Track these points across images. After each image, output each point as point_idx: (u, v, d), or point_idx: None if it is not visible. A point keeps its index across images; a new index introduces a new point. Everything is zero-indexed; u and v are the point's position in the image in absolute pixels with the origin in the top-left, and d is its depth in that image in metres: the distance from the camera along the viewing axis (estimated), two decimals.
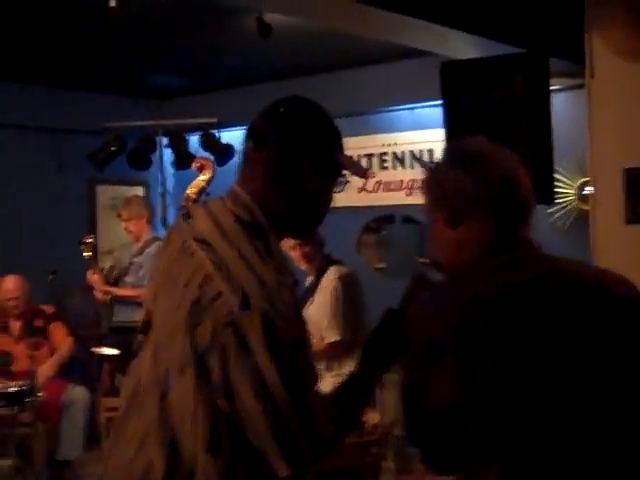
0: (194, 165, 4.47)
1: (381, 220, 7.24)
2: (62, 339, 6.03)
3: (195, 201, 4.45)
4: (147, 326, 1.78)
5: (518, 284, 1.60)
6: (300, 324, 1.68)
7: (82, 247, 5.86)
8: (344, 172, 1.86)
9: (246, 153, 1.81)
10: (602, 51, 4.11)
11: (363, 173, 1.94)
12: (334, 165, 1.82)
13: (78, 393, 5.82)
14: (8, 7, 5.11)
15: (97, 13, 5.02)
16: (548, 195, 4.38)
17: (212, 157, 6.00)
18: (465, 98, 4.37)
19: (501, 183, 1.68)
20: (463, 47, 4.83)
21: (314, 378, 1.70)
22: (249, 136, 1.81)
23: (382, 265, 7.19)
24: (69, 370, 6.23)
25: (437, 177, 1.76)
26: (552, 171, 4.46)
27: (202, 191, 4.43)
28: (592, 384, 1.58)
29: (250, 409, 1.58)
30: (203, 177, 4.40)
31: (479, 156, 1.71)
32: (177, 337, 1.65)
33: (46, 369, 5.75)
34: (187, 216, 1.80)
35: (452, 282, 1.73)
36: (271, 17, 4.96)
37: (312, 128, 1.79)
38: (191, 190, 4.40)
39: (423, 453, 1.68)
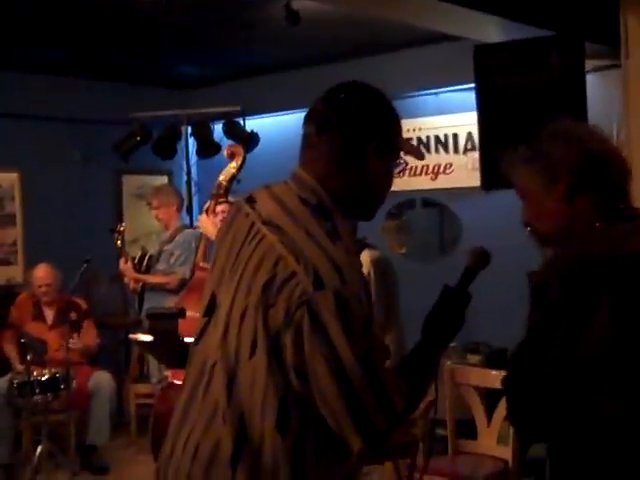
0: (225, 152, 4.49)
1: (402, 206, 7.25)
2: (92, 338, 6.10)
3: (226, 188, 4.48)
4: (211, 309, 1.82)
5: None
6: (370, 303, 1.69)
7: (115, 235, 5.90)
8: (403, 155, 1.89)
9: (308, 138, 1.84)
10: (637, 32, 4.10)
11: (421, 155, 1.97)
12: (395, 148, 1.85)
13: (103, 379, 5.87)
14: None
15: (123, 3, 5.09)
16: None
17: None
18: (499, 81, 4.36)
19: (613, 156, 1.87)
20: (490, 31, 4.81)
21: (385, 355, 1.74)
22: (311, 121, 1.83)
23: (402, 250, 7.21)
24: (96, 358, 6.29)
25: (549, 150, 1.87)
26: None
27: (233, 178, 4.45)
28: None
29: (325, 387, 1.61)
30: (234, 164, 4.42)
31: (582, 134, 1.88)
32: (248, 318, 1.68)
33: (76, 345, 5.79)
34: (250, 200, 1.83)
35: (597, 240, 1.83)
36: (299, 4, 4.98)
37: (374, 112, 1.82)
38: (222, 177, 4.43)
39: (518, 414, 1.79)
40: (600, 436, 1.76)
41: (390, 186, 1.88)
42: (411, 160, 7.07)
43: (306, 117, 1.85)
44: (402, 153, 1.89)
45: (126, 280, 6.03)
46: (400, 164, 1.90)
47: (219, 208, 4.49)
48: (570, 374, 1.73)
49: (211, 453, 1.69)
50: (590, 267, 1.75)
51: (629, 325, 1.71)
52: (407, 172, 7.15)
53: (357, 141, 1.79)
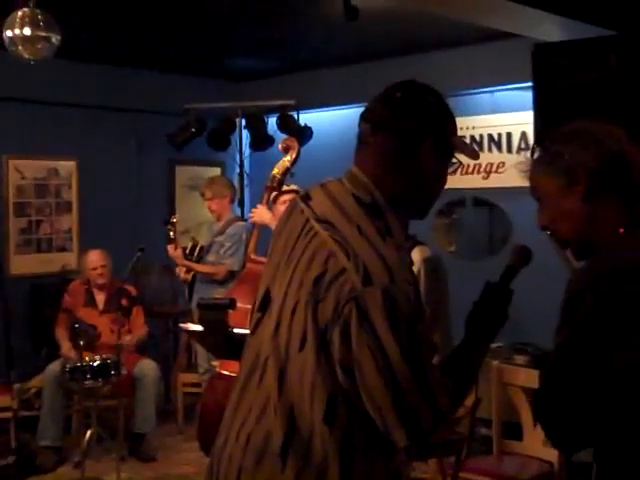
0: (280, 146, 4.52)
1: (452, 204, 7.23)
2: (141, 325, 6.18)
3: (280, 181, 4.52)
4: (265, 303, 1.85)
5: None
6: (418, 300, 1.70)
7: (168, 227, 5.97)
8: (457, 154, 1.90)
9: (363, 136, 1.86)
10: None
11: (475, 155, 1.96)
12: (449, 147, 1.86)
13: (147, 367, 5.94)
14: None
15: None
16: None
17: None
18: (557, 80, 4.31)
19: (629, 160, 1.80)
20: (549, 29, 4.77)
21: (432, 352, 1.73)
22: (366, 120, 1.85)
23: (452, 249, 7.18)
24: (144, 347, 6.37)
25: (567, 152, 1.82)
26: None
27: (287, 172, 4.49)
28: None
29: (371, 383, 1.63)
30: (288, 158, 4.45)
31: (610, 131, 1.82)
32: (299, 312, 1.71)
33: (128, 342, 5.90)
34: (306, 197, 1.86)
35: (629, 249, 1.78)
36: None
37: (429, 112, 1.83)
38: (276, 170, 4.46)
39: (553, 428, 1.75)
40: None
41: (444, 185, 1.89)
42: (464, 159, 7.03)
43: (362, 115, 1.87)
44: (457, 153, 1.89)
45: (177, 269, 6.09)
46: (454, 163, 1.91)
47: (285, 197, 4.55)
48: (610, 386, 1.68)
49: (263, 444, 1.72)
50: (625, 276, 1.71)
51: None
52: (459, 170, 7.10)
53: (412, 140, 1.80)
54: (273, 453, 1.70)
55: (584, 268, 1.80)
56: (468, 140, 7.04)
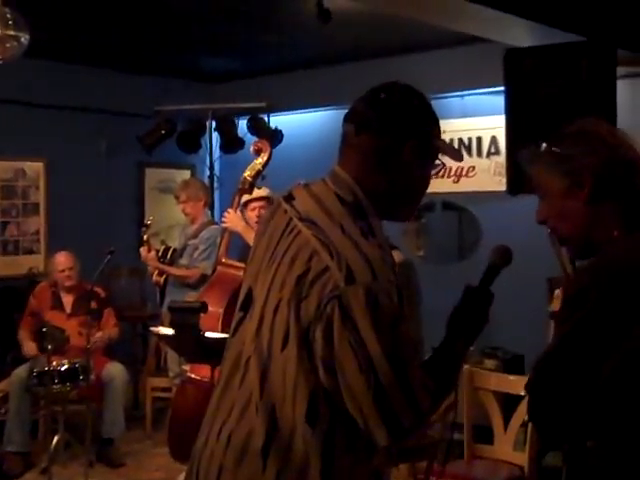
0: (252, 148, 4.51)
1: (421, 208, 7.25)
2: (113, 325, 6.11)
3: (251, 184, 4.50)
4: (247, 303, 1.84)
5: None
6: (401, 299, 1.71)
7: (143, 229, 5.92)
8: (441, 156, 1.90)
9: (347, 137, 1.86)
10: None
11: (459, 156, 1.96)
12: (432, 149, 1.86)
13: (116, 370, 5.87)
14: None
15: None
16: None
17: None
18: (528, 85, 4.34)
19: (634, 162, 1.82)
20: (520, 34, 4.79)
21: (414, 351, 1.73)
22: (350, 120, 1.86)
23: (421, 253, 7.20)
24: (113, 350, 6.31)
25: (573, 153, 1.83)
26: None
27: (258, 174, 4.48)
28: None
29: (353, 381, 1.63)
30: (259, 160, 4.44)
31: (619, 137, 1.84)
32: (281, 311, 1.71)
33: (99, 339, 5.84)
34: (289, 197, 1.86)
35: (629, 251, 1.81)
36: (329, 2, 4.97)
37: (412, 113, 1.84)
38: (247, 173, 4.45)
39: (540, 418, 1.78)
40: (623, 449, 1.74)
41: (427, 187, 1.89)
42: (449, 161, 7.07)
43: (346, 116, 1.88)
44: (440, 155, 1.90)
45: (150, 270, 6.03)
46: (438, 165, 1.91)
47: (255, 204, 4.53)
48: (602, 386, 1.71)
49: (244, 443, 1.73)
50: (623, 275, 1.74)
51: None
52: None
53: (395, 141, 1.81)
54: (254, 453, 1.70)
55: (587, 267, 1.83)
56: None
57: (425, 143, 1.83)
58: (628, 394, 1.71)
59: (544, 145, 1.89)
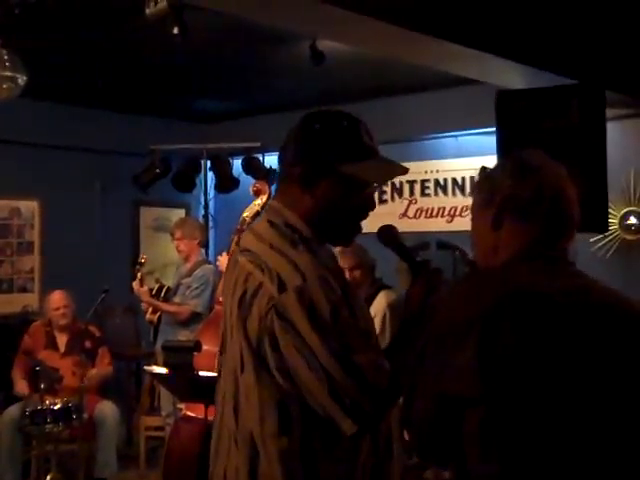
0: (251, 189, 4.53)
1: (416, 247, 7.27)
2: (107, 364, 6.09)
3: (250, 224, 4.53)
4: (224, 345, 1.93)
5: (551, 290, 1.66)
6: (341, 293, 1.77)
7: (137, 267, 5.94)
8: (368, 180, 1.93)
9: (279, 169, 1.99)
10: None
11: (403, 171, 1.97)
12: (337, 174, 1.88)
13: (107, 409, 5.82)
14: (60, 32, 5.21)
15: (144, 38, 5.15)
16: (601, 224, 4.40)
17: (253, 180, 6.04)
18: (520, 126, 4.40)
19: (552, 196, 1.74)
20: (512, 76, 4.86)
21: (361, 336, 1.79)
22: (279, 158, 1.98)
23: None
24: (107, 388, 6.28)
25: (492, 179, 1.81)
26: (607, 200, 4.47)
27: (256, 215, 4.50)
28: (602, 396, 1.63)
29: (306, 380, 1.72)
30: (258, 201, 4.47)
31: (538, 168, 1.76)
32: (235, 336, 1.81)
33: (94, 376, 5.81)
34: (239, 239, 1.99)
35: (489, 275, 1.79)
36: (323, 44, 5.04)
37: (308, 142, 1.90)
38: (246, 214, 4.47)
39: (418, 442, 1.75)
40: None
41: (362, 211, 1.92)
42: (427, 202, 7.17)
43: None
44: (365, 180, 1.91)
45: (143, 307, 6.03)
46: (375, 187, 2.00)
47: None
48: (441, 411, 1.66)
49: (235, 477, 1.82)
50: (468, 304, 1.69)
51: (491, 363, 1.60)
52: (423, 214, 7.20)
53: (310, 172, 1.87)
54: None
55: (450, 286, 1.87)
56: (432, 183, 7.12)
57: (316, 168, 1.87)
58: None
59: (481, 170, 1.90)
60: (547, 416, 1.60)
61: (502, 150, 4.45)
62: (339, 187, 1.87)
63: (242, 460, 1.79)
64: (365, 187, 1.91)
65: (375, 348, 1.83)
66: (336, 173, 1.86)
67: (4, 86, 4.61)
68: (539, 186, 1.73)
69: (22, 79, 4.63)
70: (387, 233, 2.03)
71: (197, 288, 5.76)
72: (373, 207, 1.94)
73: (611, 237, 5.84)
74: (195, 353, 3.65)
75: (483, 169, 1.88)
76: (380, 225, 2.07)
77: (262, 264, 1.77)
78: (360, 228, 1.95)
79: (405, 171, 1.96)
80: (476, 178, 1.93)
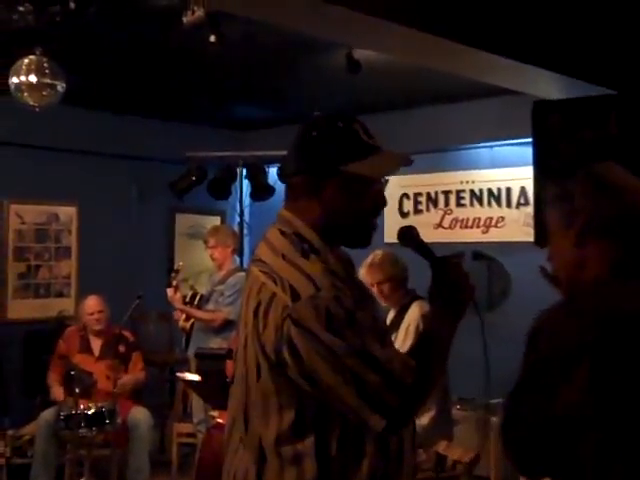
0: None
1: (451, 256, 7.23)
2: (140, 370, 6.12)
3: None
4: (237, 352, 1.96)
5: None
6: (354, 300, 1.79)
7: (173, 275, 5.98)
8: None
9: (282, 181, 2.02)
10: None
11: (407, 162, 1.96)
12: (335, 181, 1.88)
13: (141, 415, 5.83)
14: (99, 39, 5.27)
15: (181, 46, 5.19)
16: None
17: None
18: (556, 137, 4.37)
19: (636, 215, 1.77)
20: (548, 87, 4.82)
21: (380, 334, 1.83)
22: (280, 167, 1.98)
23: None
24: (140, 394, 6.31)
25: (571, 199, 1.80)
26: None
27: None
28: None
29: (331, 383, 1.73)
30: None
31: (619, 186, 1.79)
32: (250, 346, 1.83)
33: (126, 382, 5.85)
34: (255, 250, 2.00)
35: (590, 296, 1.78)
36: (360, 53, 5.04)
37: (307, 150, 1.92)
38: None
39: (519, 460, 1.77)
40: None
41: (373, 210, 1.93)
42: (462, 213, 7.13)
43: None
44: (372, 177, 1.92)
45: (175, 316, 6.06)
46: (381, 184, 1.97)
47: None
48: (550, 428, 1.69)
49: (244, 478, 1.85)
50: (579, 326, 1.69)
51: (606, 389, 1.64)
52: (458, 224, 7.16)
53: (313, 178, 1.88)
54: None
55: (547, 308, 1.81)
56: (468, 194, 7.08)
57: (319, 177, 1.88)
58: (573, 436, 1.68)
59: (554, 185, 1.91)
60: None
61: (538, 161, 4.42)
62: (345, 188, 1.88)
63: (250, 463, 1.82)
64: (372, 184, 1.91)
65: (393, 346, 1.88)
66: (340, 174, 1.86)
67: (44, 93, 4.67)
68: (625, 205, 1.76)
69: (61, 86, 4.69)
70: (406, 233, 2.01)
71: (230, 296, 5.77)
72: (384, 204, 1.95)
73: None
74: (227, 360, 3.67)
75: (556, 186, 1.88)
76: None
77: (274, 275, 1.80)
78: (375, 226, 1.95)
79: (409, 161, 1.96)
80: (550, 195, 1.89)
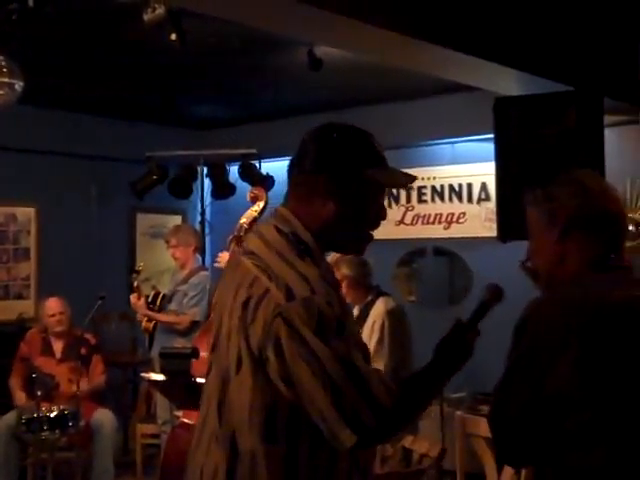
0: (248, 196, 4.52)
1: (413, 253, 7.28)
2: (100, 373, 6.05)
3: (247, 230, 4.52)
4: (215, 346, 1.93)
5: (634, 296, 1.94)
6: (343, 309, 1.81)
7: (134, 275, 5.92)
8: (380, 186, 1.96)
9: (292, 178, 1.98)
10: None
11: (404, 183, 2.01)
12: (357, 183, 1.89)
13: (104, 417, 5.78)
14: (57, 38, 5.21)
15: (140, 44, 5.15)
16: None
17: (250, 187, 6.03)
18: (517, 133, 4.41)
19: (615, 214, 2.03)
20: (508, 83, 4.86)
21: (363, 353, 1.83)
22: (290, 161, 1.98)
23: (412, 298, 7.20)
24: (103, 396, 6.26)
25: (555, 199, 2.03)
26: None
27: (254, 221, 4.49)
28: None
29: (310, 387, 1.72)
30: (256, 208, 4.46)
31: (601, 190, 2.05)
32: (233, 338, 1.81)
33: (84, 391, 5.79)
34: (240, 241, 1.97)
35: (573, 286, 1.98)
36: (320, 50, 5.05)
37: (325, 150, 1.91)
38: (244, 220, 4.46)
39: (504, 441, 1.93)
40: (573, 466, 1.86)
41: (373, 220, 1.94)
42: (424, 209, 7.17)
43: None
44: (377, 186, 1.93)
45: (138, 317, 6.03)
46: (384, 196, 1.99)
47: None
48: (541, 413, 1.85)
49: (213, 475, 1.83)
50: (564, 312, 1.88)
51: (593, 372, 1.83)
52: (420, 220, 7.20)
53: (314, 179, 1.89)
54: None
55: (533, 301, 1.97)
56: (429, 190, 7.13)
57: (345, 177, 1.88)
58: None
59: (536, 189, 2.08)
60: None
61: (500, 157, 4.45)
62: (363, 192, 1.89)
63: (221, 459, 1.80)
64: (382, 194, 1.95)
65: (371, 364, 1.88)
66: (362, 178, 1.87)
67: (1, 92, 4.60)
68: (604, 206, 2.00)
69: (19, 85, 4.63)
70: (499, 293, 2.04)
71: (195, 297, 5.75)
72: (384, 217, 1.95)
73: None
74: (193, 360, 3.64)
75: (539, 189, 2.07)
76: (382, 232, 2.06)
77: (268, 270, 1.78)
78: (372, 237, 1.96)
79: (414, 179, 2.03)
80: (532, 197, 2.08)
